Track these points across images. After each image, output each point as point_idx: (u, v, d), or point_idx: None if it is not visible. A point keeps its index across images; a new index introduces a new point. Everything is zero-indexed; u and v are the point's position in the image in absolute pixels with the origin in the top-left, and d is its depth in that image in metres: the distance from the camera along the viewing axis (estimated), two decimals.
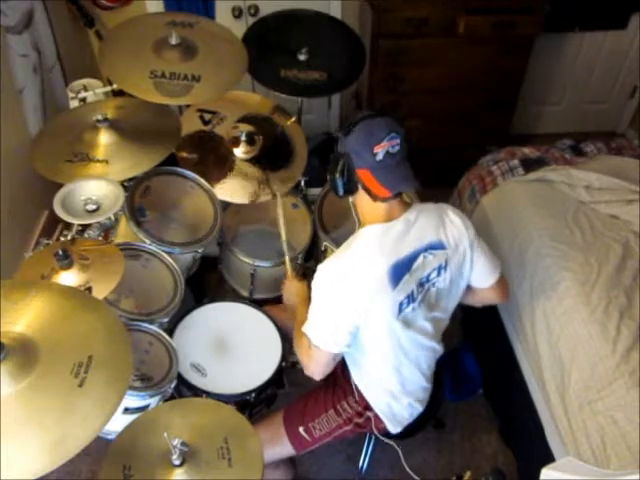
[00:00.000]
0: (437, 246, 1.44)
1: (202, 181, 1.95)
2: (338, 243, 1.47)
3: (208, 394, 1.64)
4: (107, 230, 1.83)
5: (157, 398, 1.58)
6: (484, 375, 2.29)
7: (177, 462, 1.16)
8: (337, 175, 1.38)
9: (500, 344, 2.13)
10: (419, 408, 1.65)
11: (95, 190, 1.67)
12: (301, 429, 1.66)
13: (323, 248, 2.07)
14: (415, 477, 1.72)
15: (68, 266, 1.50)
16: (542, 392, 1.88)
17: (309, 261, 2.23)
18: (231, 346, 1.79)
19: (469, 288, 1.59)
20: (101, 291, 1.48)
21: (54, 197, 1.63)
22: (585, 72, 3.36)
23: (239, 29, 2.23)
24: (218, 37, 2.01)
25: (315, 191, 2.27)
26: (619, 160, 2.39)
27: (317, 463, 2.15)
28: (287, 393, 1.84)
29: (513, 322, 2.07)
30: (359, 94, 3.24)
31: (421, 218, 1.43)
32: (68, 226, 1.74)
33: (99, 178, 1.68)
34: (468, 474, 1.31)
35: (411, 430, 1.70)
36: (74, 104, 2.07)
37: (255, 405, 1.74)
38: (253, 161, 2.07)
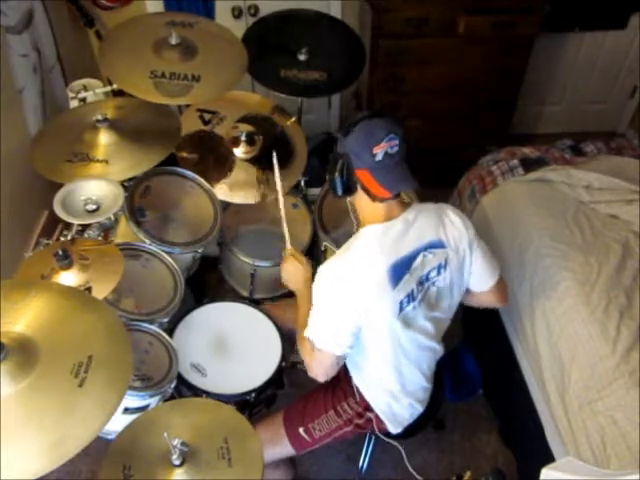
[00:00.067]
0: (437, 245, 1.44)
1: (202, 181, 1.95)
2: (338, 243, 1.47)
3: (208, 394, 1.64)
4: (107, 230, 1.83)
5: (157, 398, 1.58)
6: (484, 375, 2.29)
7: (177, 462, 1.16)
8: (336, 175, 1.38)
9: (500, 344, 2.13)
10: (419, 408, 1.65)
11: (95, 190, 1.67)
12: (301, 430, 1.66)
13: (323, 248, 2.07)
14: (418, 477, 1.71)
15: (68, 266, 1.50)
16: (542, 392, 1.88)
17: (309, 261, 2.23)
18: (231, 346, 1.79)
19: (468, 291, 1.59)
20: (101, 291, 1.48)
21: (54, 197, 1.63)
22: (585, 72, 3.36)
23: (239, 29, 2.23)
24: (218, 37, 2.01)
25: (315, 191, 2.28)
26: (619, 160, 2.39)
27: (317, 463, 2.15)
28: (287, 393, 1.84)
29: (513, 322, 2.07)
30: (359, 94, 3.24)
31: (420, 218, 1.44)
32: (68, 226, 1.74)
33: (99, 178, 1.68)
34: (468, 474, 1.31)
35: (411, 430, 1.70)
36: (74, 104, 2.07)
37: (255, 405, 1.73)
38: (253, 161, 2.07)
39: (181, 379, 1.65)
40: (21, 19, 2.28)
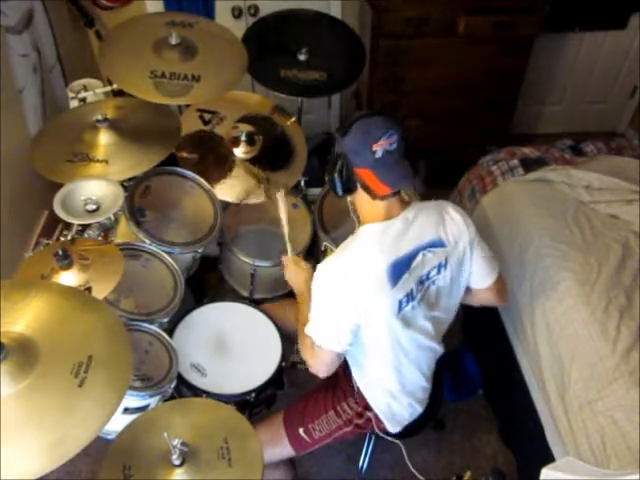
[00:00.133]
0: (437, 244, 1.44)
1: (202, 181, 1.95)
2: (338, 243, 1.47)
3: (208, 394, 1.64)
4: (107, 230, 1.83)
5: (157, 398, 1.58)
6: (484, 375, 2.29)
7: (177, 462, 1.16)
8: (335, 175, 1.38)
9: (500, 344, 2.13)
10: (419, 408, 1.65)
11: (95, 190, 1.67)
12: (301, 430, 1.66)
13: (323, 248, 2.07)
14: (420, 477, 1.71)
15: (68, 266, 1.50)
16: (542, 392, 1.88)
17: (309, 261, 2.23)
18: (231, 346, 1.79)
19: (467, 288, 1.59)
20: (101, 291, 1.48)
21: (54, 197, 1.63)
22: (585, 72, 3.36)
23: (239, 29, 2.23)
24: (218, 37, 2.01)
25: (315, 191, 2.28)
26: (619, 160, 2.39)
27: (317, 463, 2.15)
28: (287, 393, 1.84)
29: (513, 322, 2.07)
30: (359, 94, 3.24)
31: (420, 216, 1.43)
32: (68, 226, 1.74)
33: (99, 178, 1.68)
34: (468, 474, 1.31)
35: (411, 430, 1.70)
36: (74, 104, 2.07)
37: (255, 405, 1.73)
38: (253, 161, 2.07)
39: (181, 379, 1.66)
40: (21, 19, 2.28)
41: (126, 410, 1.51)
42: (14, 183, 2.23)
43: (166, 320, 1.73)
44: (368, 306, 1.38)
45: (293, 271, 1.65)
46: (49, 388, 1.06)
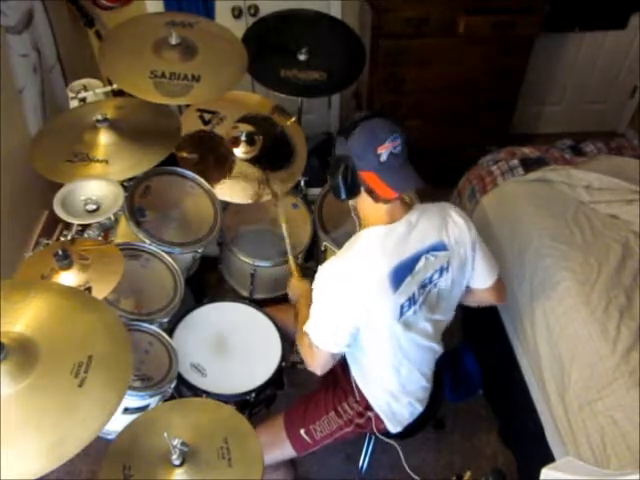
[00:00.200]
0: (439, 247, 1.44)
1: (202, 181, 1.95)
2: (338, 243, 1.47)
3: (208, 394, 1.64)
4: (107, 230, 1.83)
5: (157, 398, 1.58)
6: (484, 375, 2.29)
7: (177, 462, 1.16)
8: (339, 179, 1.37)
9: (500, 344, 2.13)
10: (419, 408, 1.65)
11: (95, 190, 1.67)
12: (302, 431, 1.66)
13: (323, 248, 2.07)
14: (415, 477, 1.72)
15: (68, 266, 1.50)
16: (542, 392, 1.88)
17: (309, 261, 2.23)
18: (231, 346, 1.79)
19: (467, 288, 1.59)
20: (101, 291, 1.48)
21: (54, 197, 1.63)
22: (585, 72, 3.36)
23: (239, 29, 2.23)
24: (218, 37, 2.01)
25: (315, 191, 2.27)
26: (619, 160, 2.39)
27: (317, 463, 2.15)
28: (287, 393, 1.84)
29: (513, 322, 2.07)
30: (359, 94, 3.24)
31: (423, 220, 1.43)
32: (68, 226, 1.74)
33: (99, 178, 1.68)
34: (468, 474, 1.31)
35: (411, 430, 1.70)
36: (74, 104, 2.07)
37: (255, 405, 1.73)
38: (253, 161, 2.07)
39: (181, 379, 1.65)
40: (21, 19, 2.28)
41: (126, 410, 1.51)
42: (14, 183, 2.23)
43: (166, 320, 1.73)
44: (369, 309, 1.38)
45: (298, 288, 1.70)
46: (49, 388, 1.06)
